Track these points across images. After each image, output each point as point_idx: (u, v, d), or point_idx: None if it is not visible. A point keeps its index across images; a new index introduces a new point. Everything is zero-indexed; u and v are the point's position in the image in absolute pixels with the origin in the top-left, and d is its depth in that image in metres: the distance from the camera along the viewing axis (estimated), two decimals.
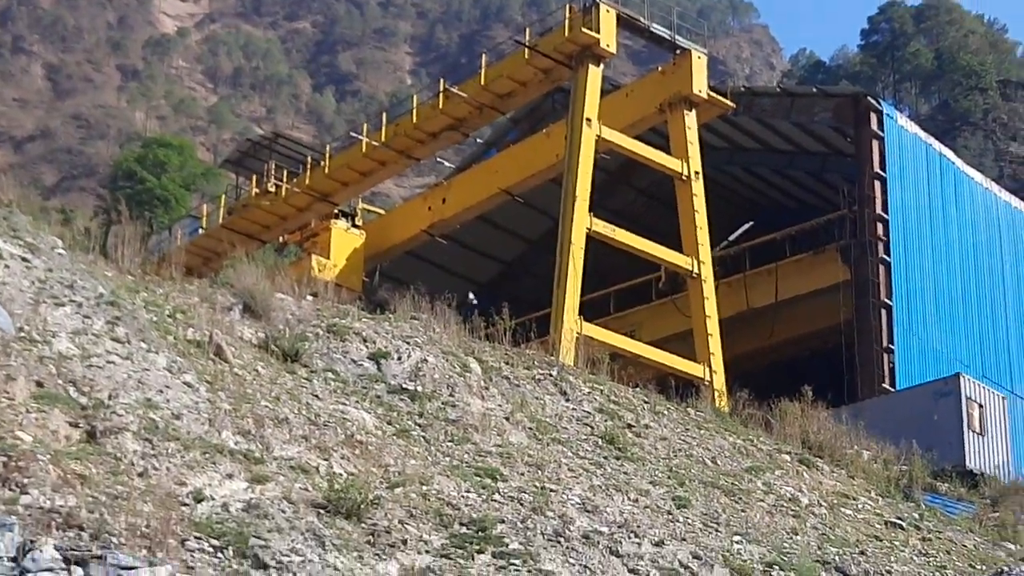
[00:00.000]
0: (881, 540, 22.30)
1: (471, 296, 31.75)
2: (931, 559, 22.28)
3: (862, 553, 21.23)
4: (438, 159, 50.33)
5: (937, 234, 33.03)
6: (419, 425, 19.39)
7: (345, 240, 40.36)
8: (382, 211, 47.13)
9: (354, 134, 42.85)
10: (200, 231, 43.30)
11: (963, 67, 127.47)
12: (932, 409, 27.89)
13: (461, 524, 16.76)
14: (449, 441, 19.02)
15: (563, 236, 31.41)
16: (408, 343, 21.60)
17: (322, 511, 14.94)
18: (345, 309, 22.91)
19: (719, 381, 27.24)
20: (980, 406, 28.41)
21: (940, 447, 26.94)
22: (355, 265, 39.99)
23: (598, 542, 17.86)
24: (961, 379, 28.23)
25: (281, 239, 44.05)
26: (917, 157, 34.11)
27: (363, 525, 15.14)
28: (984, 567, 21.54)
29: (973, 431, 28.01)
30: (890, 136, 33.88)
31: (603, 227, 32.10)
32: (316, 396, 18.79)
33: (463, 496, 17.40)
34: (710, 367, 27.26)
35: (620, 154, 34.81)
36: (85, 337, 16.57)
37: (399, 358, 21.05)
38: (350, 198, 42.14)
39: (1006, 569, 16.69)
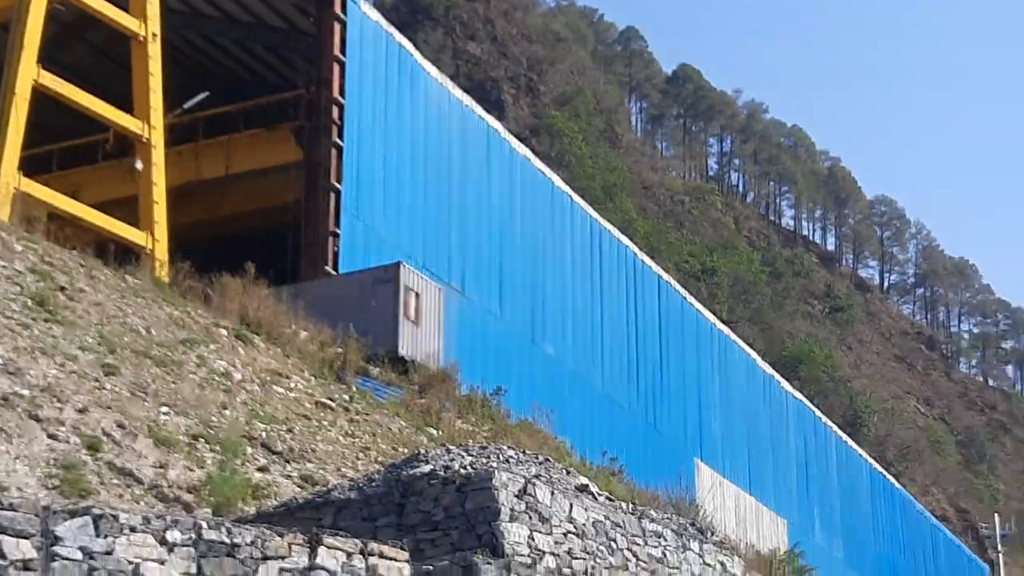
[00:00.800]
0: (310, 419, 22.53)
1: None
2: (357, 440, 22.72)
3: (290, 431, 21.37)
4: None
5: (392, 123, 33.42)
6: None
7: None
8: None
9: None
10: None
11: None
12: (371, 295, 28.32)
13: None
14: None
15: (7, 86, 29.67)
16: None
17: None
18: None
19: (161, 250, 26.56)
20: (417, 295, 29.12)
21: (376, 333, 27.42)
22: None
23: (17, 405, 17.07)
24: (401, 268, 28.79)
25: None
26: (378, 46, 34.31)
27: None
28: (406, 450, 22.17)
29: (408, 319, 28.66)
30: (352, 21, 33.87)
31: (52, 81, 30.56)
32: None
33: None
34: (153, 235, 26.53)
35: (75, 6, 33.17)
36: None
37: None
38: None
39: (423, 452, 17.16)
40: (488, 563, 13.58)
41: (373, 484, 16.26)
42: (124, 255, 25.00)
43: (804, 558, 36.45)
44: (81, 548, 10.93)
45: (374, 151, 32.49)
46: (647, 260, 42.66)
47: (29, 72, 29.81)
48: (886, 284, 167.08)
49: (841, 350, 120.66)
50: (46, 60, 30.73)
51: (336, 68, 33.66)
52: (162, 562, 11.32)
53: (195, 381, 21.28)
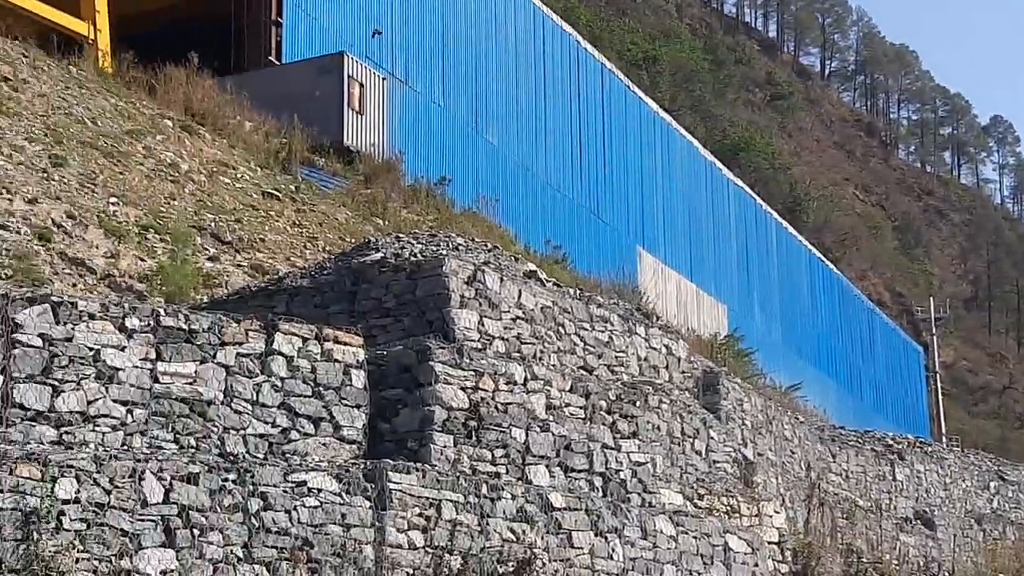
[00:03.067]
0: (257, 209, 22.71)
1: None
2: (304, 230, 22.95)
3: (238, 221, 21.56)
4: None
5: None
6: None
7: None
8: None
9: None
10: None
11: None
12: (315, 85, 28.22)
13: None
14: None
15: None
16: None
17: None
18: None
19: (104, 40, 26.24)
20: (361, 85, 29.03)
21: (320, 123, 27.41)
22: None
23: None
24: (345, 57, 28.63)
25: None
26: None
27: None
28: (353, 240, 22.42)
29: (353, 109, 28.62)
30: None
31: None
32: None
33: None
34: (95, 25, 26.19)
35: None
36: None
37: None
38: None
39: (373, 240, 17.41)
40: (441, 347, 13.94)
41: (324, 272, 16.54)
42: (67, 46, 24.74)
43: (744, 342, 37.29)
44: (41, 335, 11.17)
45: None
46: (589, 48, 42.51)
47: None
48: (827, 71, 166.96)
49: (782, 138, 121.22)
50: None
51: None
52: (122, 348, 11.59)
53: (143, 172, 21.35)
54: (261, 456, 12.12)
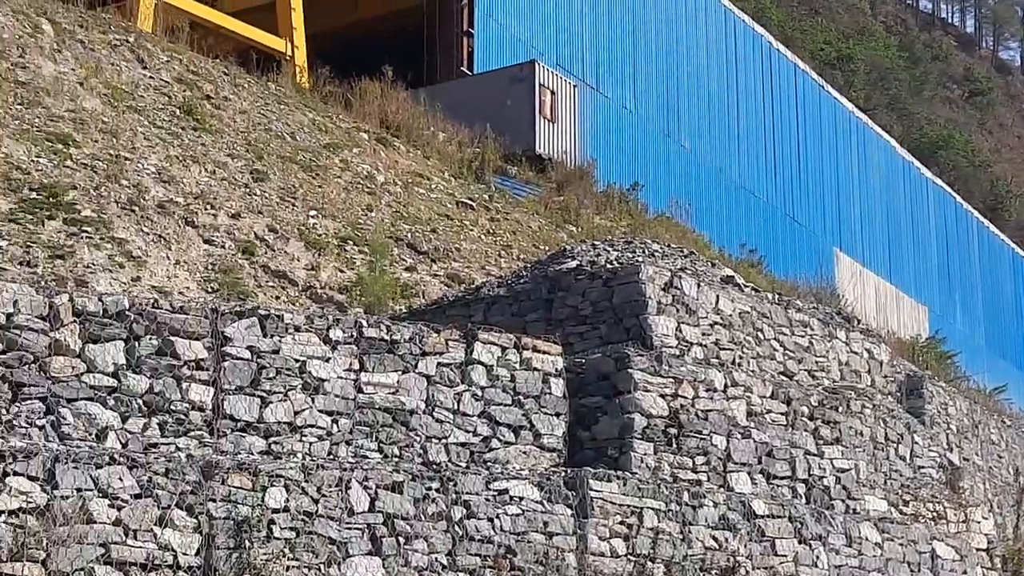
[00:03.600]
0: (452, 219, 22.91)
1: None
2: (498, 238, 23.09)
3: (433, 231, 21.79)
4: None
5: None
6: None
7: None
8: None
9: None
10: None
11: None
12: (507, 94, 28.41)
13: (31, 189, 16.17)
14: (19, 104, 18.11)
15: None
16: None
17: None
18: None
19: (300, 57, 26.79)
20: (552, 93, 29.15)
21: (512, 132, 27.58)
22: None
23: (174, 212, 17.62)
24: (536, 65, 28.79)
25: None
26: None
27: None
28: (546, 247, 22.50)
29: (544, 117, 28.76)
30: None
31: None
32: None
33: (33, 161, 16.74)
34: (292, 42, 26.76)
35: None
36: None
37: None
38: None
39: (569, 248, 17.45)
40: (639, 354, 13.90)
41: (521, 280, 16.62)
42: (265, 63, 25.32)
43: (946, 344, 36.45)
44: (249, 348, 11.43)
45: None
46: (782, 49, 42.03)
47: None
48: None
49: (981, 135, 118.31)
50: None
51: None
52: (327, 359, 11.80)
53: (340, 185, 21.72)
54: (463, 464, 12.22)
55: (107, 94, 19.78)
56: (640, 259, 15.99)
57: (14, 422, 10.17)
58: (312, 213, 19.89)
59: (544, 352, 13.27)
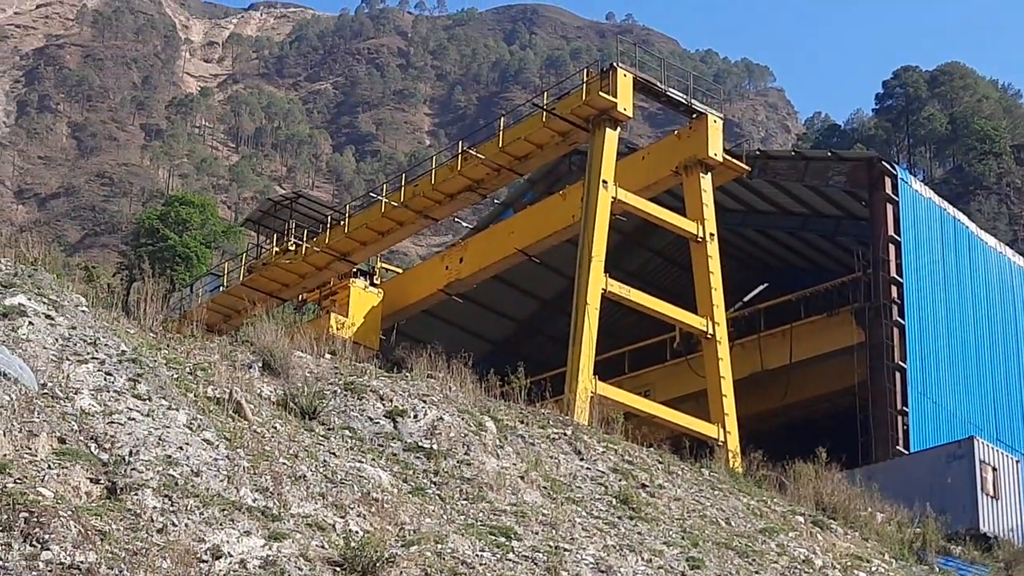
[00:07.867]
0: None
1: None
2: None
3: None
4: (455, 219, 50.62)
5: (951, 297, 33.22)
6: (434, 483, 19.53)
7: (363, 299, 40.63)
8: (400, 270, 47.46)
9: (373, 194, 43.38)
10: (221, 289, 43.62)
11: (977, 131, 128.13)
12: (946, 472, 27.95)
13: None
14: (464, 499, 19.16)
15: (579, 296, 31.62)
16: (424, 401, 21.79)
17: (338, 568, 15.08)
18: (362, 367, 23.11)
19: (733, 442, 27.34)
20: (994, 469, 28.47)
21: (954, 510, 26.99)
22: (373, 323, 40.26)
23: None
24: (975, 442, 28.29)
25: (300, 297, 44.39)
26: (931, 220, 34.32)
27: None
28: None
29: (987, 494, 28.05)
30: (904, 200, 34.10)
31: (618, 287, 32.32)
32: (333, 453, 18.97)
33: (478, 555, 17.52)
34: (724, 428, 27.37)
35: (636, 216, 35.06)
36: (107, 394, 16.81)
37: (415, 416, 21.22)
38: (368, 257, 42.50)
39: None
40: None
41: None
42: (698, 449, 25.91)
43: None
44: None
45: (936, 326, 32.30)
46: None
47: (598, 281, 31.72)
48: None
49: None
50: (611, 267, 32.61)
51: (892, 248, 33.89)
52: None
53: (778, 570, 21.64)
54: None
55: (546, 487, 20.68)
56: None
57: None
58: None
59: None
